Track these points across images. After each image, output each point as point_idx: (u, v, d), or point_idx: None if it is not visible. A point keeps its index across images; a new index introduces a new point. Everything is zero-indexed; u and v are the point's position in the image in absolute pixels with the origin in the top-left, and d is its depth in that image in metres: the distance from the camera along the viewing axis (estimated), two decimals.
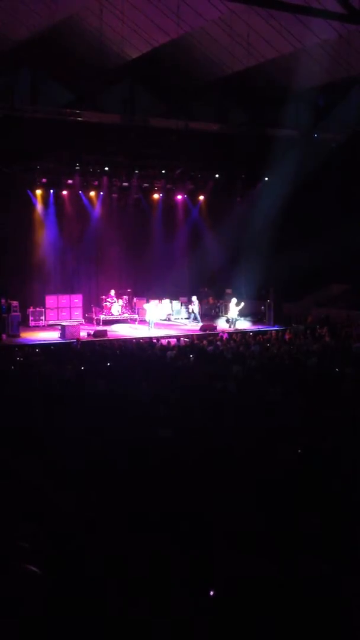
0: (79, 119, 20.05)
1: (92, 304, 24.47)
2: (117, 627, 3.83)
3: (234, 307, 23.47)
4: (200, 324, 23.39)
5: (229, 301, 25.12)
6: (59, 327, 21.82)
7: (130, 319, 24.13)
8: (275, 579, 4.19)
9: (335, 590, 4.23)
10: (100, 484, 6.29)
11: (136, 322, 23.92)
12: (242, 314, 24.02)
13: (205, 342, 18.13)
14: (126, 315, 24.29)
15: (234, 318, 23.53)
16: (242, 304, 23.66)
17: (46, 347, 18.97)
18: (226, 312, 25.40)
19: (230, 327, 23.15)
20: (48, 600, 3.90)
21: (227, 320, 23.83)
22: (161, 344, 18.13)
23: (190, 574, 4.30)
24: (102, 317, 23.70)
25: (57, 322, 23.18)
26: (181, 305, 25.70)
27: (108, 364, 14.44)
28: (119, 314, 24.12)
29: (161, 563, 4.39)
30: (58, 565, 4.32)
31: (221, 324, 24.34)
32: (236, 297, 23.84)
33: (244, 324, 24.24)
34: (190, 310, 24.53)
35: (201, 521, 5.18)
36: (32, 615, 3.84)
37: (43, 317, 23.51)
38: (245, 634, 3.77)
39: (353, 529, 5.19)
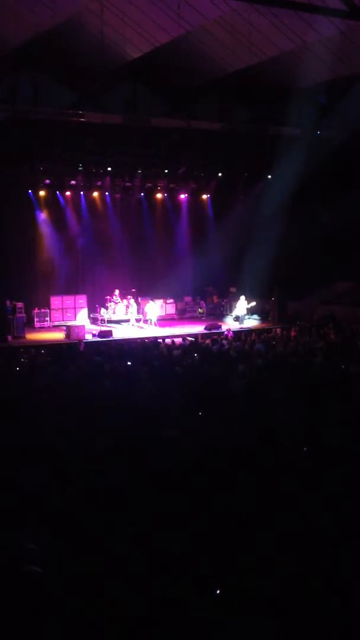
0: (81, 119, 19.98)
1: (97, 305, 24.48)
2: (119, 626, 3.82)
3: (243, 305, 23.49)
4: (136, 327, 22.85)
5: (235, 299, 25.12)
6: (64, 328, 21.87)
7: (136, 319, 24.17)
8: (279, 577, 4.18)
9: (342, 586, 4.21)
10: (105, 484, 6.28)
11: (141, 322, 23.95)
12: (250, 311, 24.05)
13: (209, 341, 18.11)
14: (131, 315, 24.29)
15: (243, 315, 23.56)
16: (254, 303, 23.71)
17: (51, 348, 18.98)
18: (231, 310, 25.39)
19: (239, 324, 23.21)
20: (51, 600, 3.89)
21: (237, 318, 23.84)
22: (166, 343, 18.12)
23: (195, 573, 4.29)
24: (106, 317, 23.73)
25: (62, 323, 23.24)
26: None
27: (113, 364, 14.42)
28: (124, 314, 24.13)
29: (165, 563, 4.38)
30: (62, 565, 4.32)
31: (228, 322, 24.37)
32: (241, 296, 23.87)
33: (252, 322, 24.24)
34: (128, 313, 23.70)
35: (205, 520, 5.17)
36: (36, 615, 3.84)
37: (48, 318, 23.57)
38: (248, 632, 3.76)
39: (358, 526, 5.18)
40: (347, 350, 15.89)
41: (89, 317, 24.30)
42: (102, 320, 23.60)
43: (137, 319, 23.98)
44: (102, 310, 23.81)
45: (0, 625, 3.86)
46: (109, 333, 21.64)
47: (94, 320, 24.06)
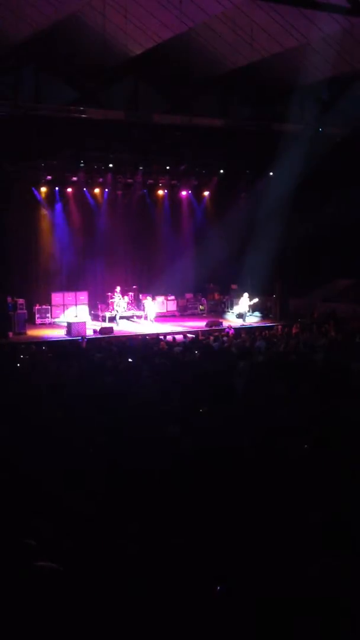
0: (83, 116, 19.99)
1: (98, 301, 24.48)
2: (120, 623, 3.84)
3: (245, 302, 23.51)
4: (117, 326, 22.57)
5: (236, 296, 25.13)
6: (65, 325, 21.88)
7: (137, 316, 24.15)
8: (282, 576, 4.19)
9: (342, 585, 4.22)
10: (107, 481, 6.30)
11: (142, 318, 23.94)
12: (252, 308, 24.06)
13: (211, 338, 18.13)
14: (132, 312, 24.31)
15: (246, 312, 23.59)
16: (256, 300, 23.71)
17: (52, 344, 19.01)
18: (232, 307, 25.41)
19: (242, 321, 23.26)
20: (53, 597, 3.91)
21: (239, 315, 23.87)
22: (167, 340, 18.14)
23: (195, 570, 4.30)
24: (107, 314, 23.72)
25: (63, 319, 23.25)
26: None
27: (114, 361, 14.43)
28: (125, 311, 24.14)
29: (165, 560, 4.39)
30: (63, 562, 4.33)
31: (229, 319, 24.40)
32: (244, 293, 23.90)
33: (253, 319, 24.27)
34: (113, 312, 23.26)
35: (207, 518, 5.18)
36: (40, 611, 3.86)
37: (49, 315, 23.58)
38: (247, 631, 3.77)
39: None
40: (348, 347, 15.90)
41: (90, 313, 24.32)
42: (103, 317, 23.60)
43: (128, 316, 23.84)
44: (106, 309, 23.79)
45: (5, 621, 3.88)
46: (110, 330, 21.65)
47: (95, 317, 24.08)
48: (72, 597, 3.97)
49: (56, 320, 23.44)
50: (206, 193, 26.72)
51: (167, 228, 26.65)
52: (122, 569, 4.34)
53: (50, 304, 23.79)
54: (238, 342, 17.07)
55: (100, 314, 23.89)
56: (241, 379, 11.94)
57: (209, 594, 4.07)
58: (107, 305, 23.97)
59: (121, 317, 23.29)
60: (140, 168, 24.07)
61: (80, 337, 19.77)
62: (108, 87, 23.40)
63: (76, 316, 23.57)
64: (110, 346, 17.35)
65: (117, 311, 23.06)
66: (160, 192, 25.94)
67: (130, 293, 24.66)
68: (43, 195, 23.78)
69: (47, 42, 20.44)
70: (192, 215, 26.99)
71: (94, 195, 24.81)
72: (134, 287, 25.19)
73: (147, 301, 23.76)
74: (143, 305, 24.04)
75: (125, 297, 24.23)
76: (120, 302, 23.24)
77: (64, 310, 23.95)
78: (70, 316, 23.54)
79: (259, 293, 24.36)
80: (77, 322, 21.77)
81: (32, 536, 4.66)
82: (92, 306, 24.53)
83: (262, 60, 20.95)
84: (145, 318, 23.64)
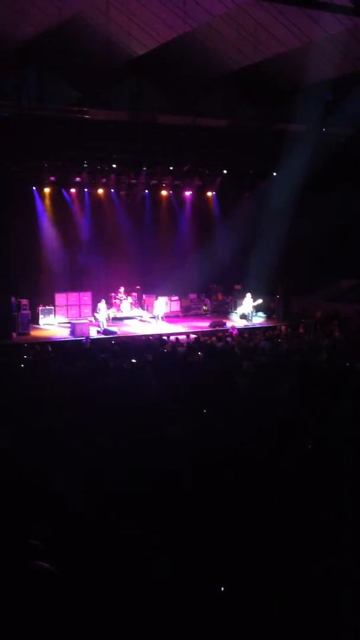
0: (86, 116, 20.02)
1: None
2: (122, 624, 3.83)
3: (249, 302, 23.48)
4: (103, 329, 22.13)
5: (239, 297, 25.11)
6: (69, 325, 21.87)
7: (141, 317, 24.11)
8: (285, 577, 4.18)
9: (347, 584, 4.21)
10: (110, 481, 6.29)
11: (150, 318, 23.92)
12: (256, 309, 24.05)
13: (214, 338, 18.12)
14: (136, 312, 24.28)
15: (250, 313, 23.57)
16: (260, 300, 23.68)
17: (56, 345, 19.01)
18: (236, 307, 25.38)
19: (247, 321, 23.26)
20: (57, 597, 3.90)
21: (244, 316, 23.83)
22: (171, 340, 18.13)
23: (199, 571, 4.29)
24: (111, 314, 23.70)
25: (67, 319, 23.25)
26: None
27: (117, 362, 14.44)
28: (130, 310, 24.11)
29: (168, 560, 4.38)
30: (66, 562, 4.32)
31: (233, 320, 24.37)
32: (247, 293, 23.89)
33: (257, 320, 24.26)
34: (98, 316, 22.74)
35: (210, 518, 5.17)
36: (42, 611, 3.85)
37: (52, 315, 23.57)
38: (251, 631, 3.76)
39: None
40: (351, 347, 15.88)
41: (94, 314, 24.31)
42: (107, 317, 23.58)
43: (142, 316, 23.87)
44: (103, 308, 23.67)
45: (7, 621, 3.87)
46: (114, 330, 21.65)
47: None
48: (68, 598, 3.96)
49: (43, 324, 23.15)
50: (210, 193, 26.70)
51: (170, 228, 26.63)
52: (122, 569, 4.33)
53: (53, 305, 23.80)
54: (242, 343, 17.06)
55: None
56: (245, 379, 11.92)
57: (213, 594, 4.06)
58: (111, 306, 23.96)
59: (114, 319, 23.18)
60: (144, 168, 24.05)
61: (84, 338, 19.77)
62: (111, 87, 23.40)
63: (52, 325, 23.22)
64: (114, 347, 17.35)
65: (106, 314, 22.76)
66: (164, 193, 25.92)
67: (133, 293, 24.64)
68: (46, 195, 23.77)
69: (50, 43, 20.46)
70: (195, 215, 26.95)
71: (97, 196, 24.79)
72: (138, 287, 25.18)
73: (156, 301, 23.71)
74: (150, 306, 24.03)
75: (130, 297, 24.22)
76: (103, 309, 22.77)
77: (67, 311, 23.92)
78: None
79: (262, 293, 24.33)
80: (81, 323, 21.76)
81: (35, 538, 4.65)
82: (96, 307, 24.50)
83: (266, 60, 20.95)
84: (154, 318, 23.60)
